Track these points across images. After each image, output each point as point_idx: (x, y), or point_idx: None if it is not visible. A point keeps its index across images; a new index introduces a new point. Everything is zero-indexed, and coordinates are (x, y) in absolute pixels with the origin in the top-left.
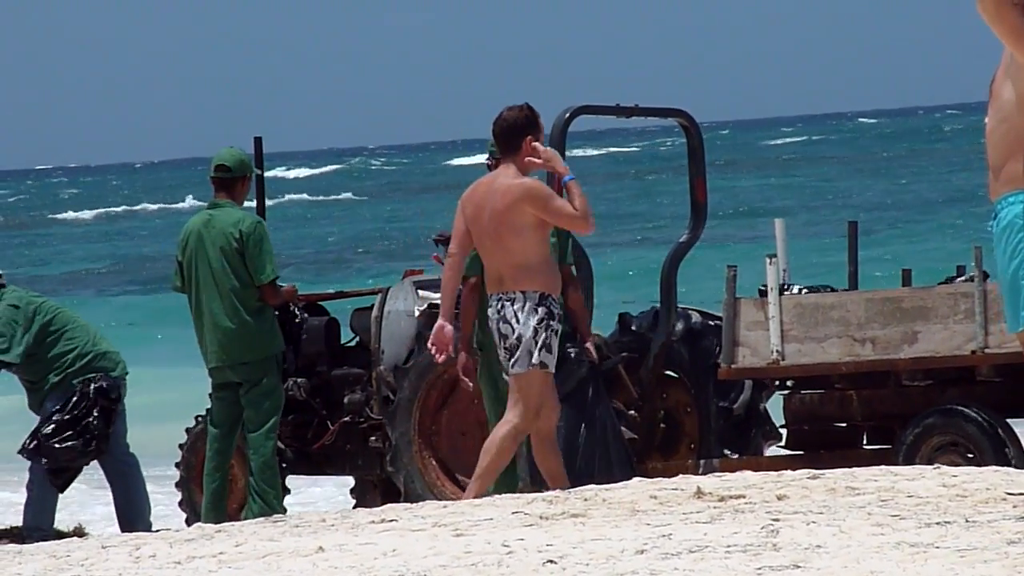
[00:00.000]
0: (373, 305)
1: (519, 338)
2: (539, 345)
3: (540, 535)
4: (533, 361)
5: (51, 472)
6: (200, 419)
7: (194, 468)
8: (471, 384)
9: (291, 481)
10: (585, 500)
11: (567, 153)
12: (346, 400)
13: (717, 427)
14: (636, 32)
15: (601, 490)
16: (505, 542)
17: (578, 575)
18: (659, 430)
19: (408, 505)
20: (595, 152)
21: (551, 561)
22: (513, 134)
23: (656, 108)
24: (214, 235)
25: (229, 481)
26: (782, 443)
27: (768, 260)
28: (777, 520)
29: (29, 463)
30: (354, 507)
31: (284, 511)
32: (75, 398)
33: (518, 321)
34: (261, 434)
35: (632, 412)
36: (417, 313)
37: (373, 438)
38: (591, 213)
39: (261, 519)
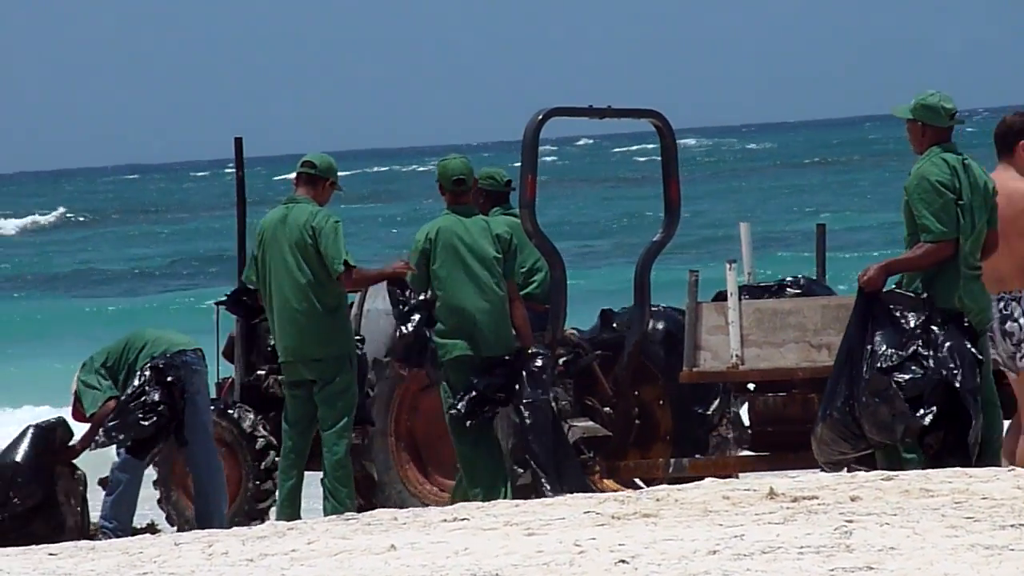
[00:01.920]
0: (352, 303)
1: None
2: None
3: (612, 535)
4: None
5: (129, 451)
6: None
7: (170, 465)
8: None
9: None
10: (657, 500)
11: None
12: None
13: (692, 427)
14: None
15: (673, 490)
16: (577, 541)
17: (650, 575)
18: (633, 428)
19: (480, 504)
20: None
21: (623, 561)
22: (1009, 136)
23: (629, 109)
24: (289, 230)
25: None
26: (747, 444)
27: (728, 265)
28: (850, 521)
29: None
30: (158, 501)
31: (356, 510)
32: (134, 382)
33: None
34: (334, 432)
35: (607, 409)
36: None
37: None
38: None
39: (333, 517)
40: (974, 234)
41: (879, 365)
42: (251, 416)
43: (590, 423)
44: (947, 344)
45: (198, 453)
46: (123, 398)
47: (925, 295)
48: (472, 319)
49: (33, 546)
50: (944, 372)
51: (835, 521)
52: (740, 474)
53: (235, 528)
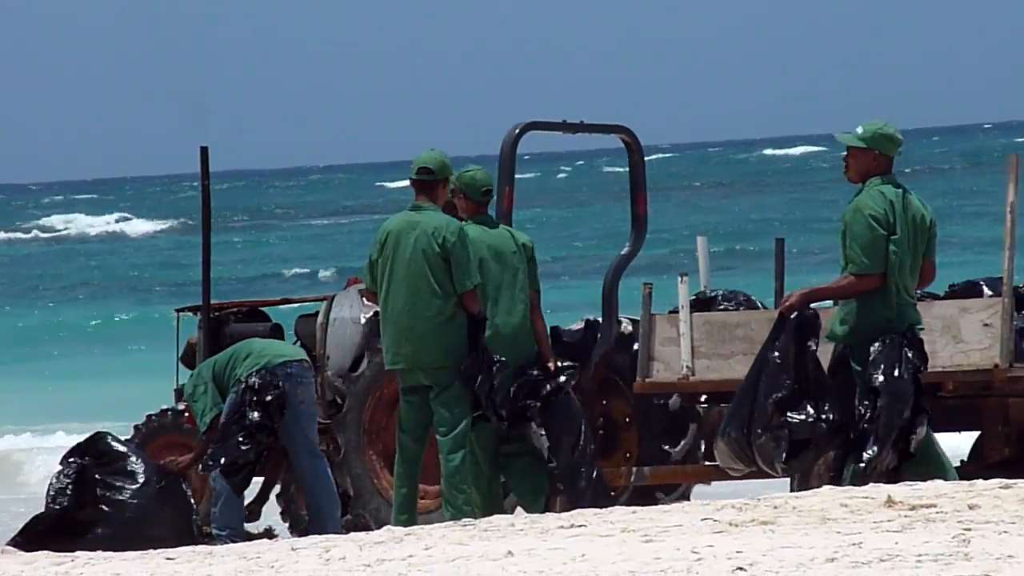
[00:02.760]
0: (318, 312)
1: None
2: None
3: (729, 542)
4: None
5: (225, 473)
6: (139, 427)
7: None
8: None
9: None
10: (775, 508)
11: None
12: None
13: (655, 436)
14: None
15: (791, 497)
16: (694, 548)
17: None
18: (599, 438)
19: (597, 510)
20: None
21: (740, 568)
22: None
23: (600, 125)
24: (417, 237)
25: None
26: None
27: (680, 278)
28: (968, 530)
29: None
30: (280, 513)
31: (474, 516)
32: (231, 399)
33: None
34: (451, 438)
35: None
36: (363, 320)
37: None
38: None
39: (450, 522)
40: (909, 266)
41: (774, 397)
42: None
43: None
44: (872, 369)
45: (305, 465)
46: (223, 419)
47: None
48: (496, 330)
49: (151, 550)
50: (839, 416)
51: (953, 529)
52: (700, 484)
53: (352, 533)
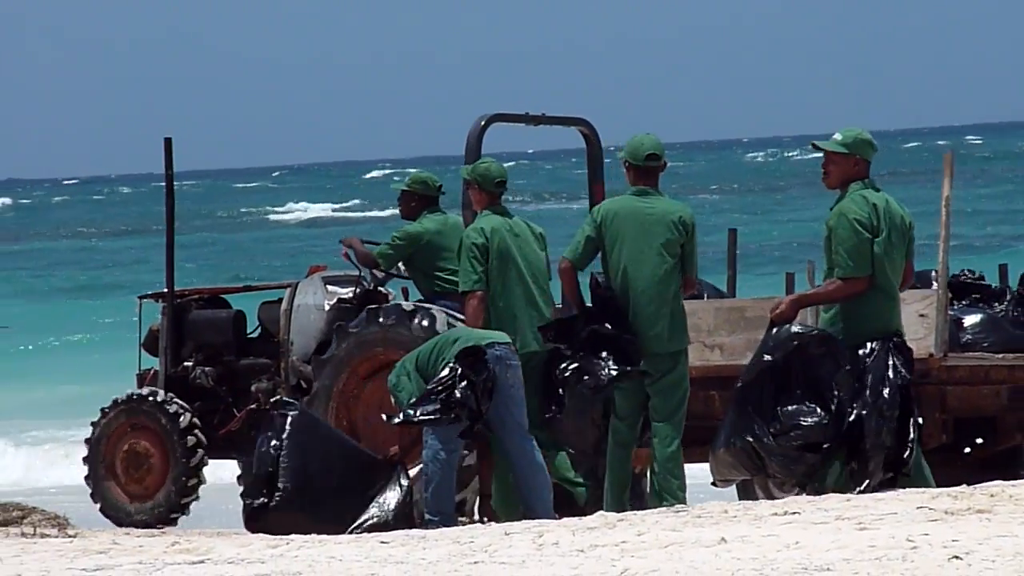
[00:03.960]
0: (281, 299)
1: None
2: None
3: (945, 530)
4: None
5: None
6: (106, 410)
7: (101, 457)
8: None
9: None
10: (991, 496)
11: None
12: (253, 388)
13: None
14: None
15: (1008, 486)
16: (909, 537)
17: (984, 571)
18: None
19: (811, 498)
20: None
21: (956, 557)
22: None
23: (561, 117)
24: (656, 222)
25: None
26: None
27: None
28: None
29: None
30: (241, 494)
31: (685, 502)
32: (442, 373)
33: None
34: (669, 424)
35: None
36: (327, 307)
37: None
38: None
39: (663, 509)
40: (892, 268)
41: (788, 409)
42: (187, 414)
43: None
44: (862, 378)
45: (516, 447)
46: (429, 386)
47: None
48: (520, 318)
49: (365, 534)
50: (850, 411)
51: None
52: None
53: (565, 519)
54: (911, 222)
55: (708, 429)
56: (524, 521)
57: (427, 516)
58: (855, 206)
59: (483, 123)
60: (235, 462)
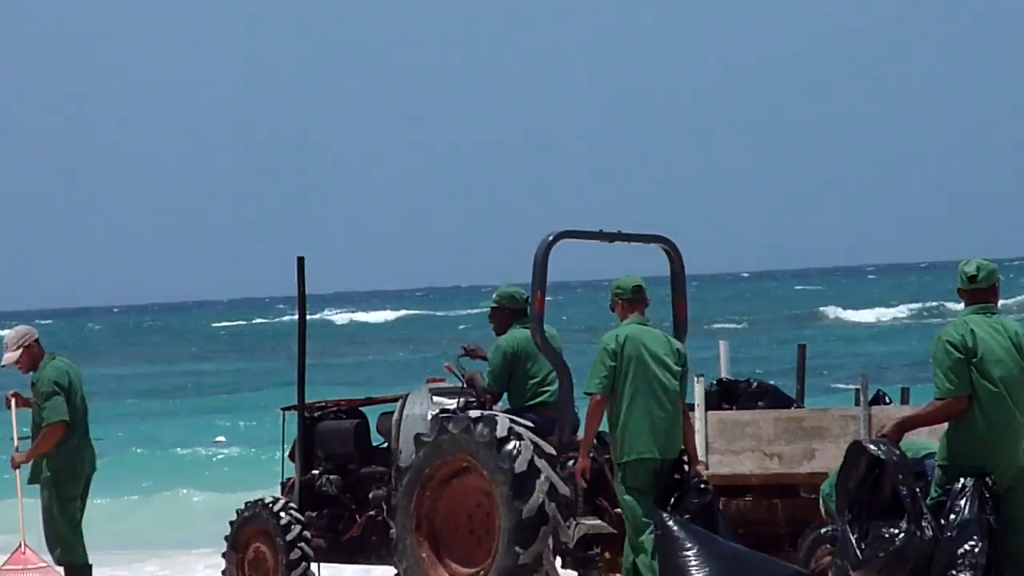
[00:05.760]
0: (394, 411)
1: None
2: None
3: None
4: None
5: None
6: (239, 511)
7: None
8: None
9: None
10: None
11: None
12: (371, 496)
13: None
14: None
15: None
16: None
17: None
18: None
19: None
20: None
21: None
22: None
23: (639, 234)
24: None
25: None
26: None
27: (696, 379)
28: None
29: None
30: None
31: None
32: None
33: None
34: None
35: (617, 510)
36: (429, 416)
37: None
38: None
39: None
40: (1000, 390)
41: (877, 536)
42: (298, 526)
43: (597, 521)
44: (952, 517)
45: None
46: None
47: (938, 460)
48: (654, 424)
49: None
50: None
51: None
52: None
53: None
54: None
55: (768, 536)
56: None
57: None
58: (952, 329)
59: (551, 239)
60: (357, 567)
